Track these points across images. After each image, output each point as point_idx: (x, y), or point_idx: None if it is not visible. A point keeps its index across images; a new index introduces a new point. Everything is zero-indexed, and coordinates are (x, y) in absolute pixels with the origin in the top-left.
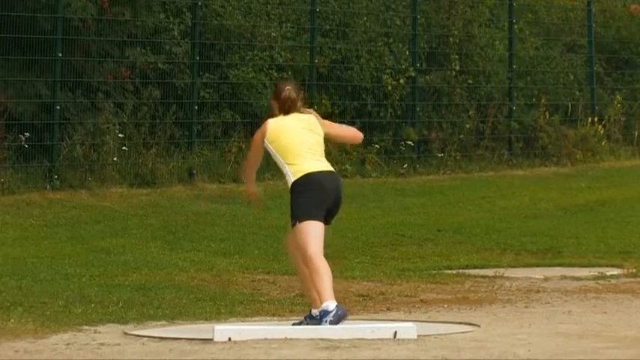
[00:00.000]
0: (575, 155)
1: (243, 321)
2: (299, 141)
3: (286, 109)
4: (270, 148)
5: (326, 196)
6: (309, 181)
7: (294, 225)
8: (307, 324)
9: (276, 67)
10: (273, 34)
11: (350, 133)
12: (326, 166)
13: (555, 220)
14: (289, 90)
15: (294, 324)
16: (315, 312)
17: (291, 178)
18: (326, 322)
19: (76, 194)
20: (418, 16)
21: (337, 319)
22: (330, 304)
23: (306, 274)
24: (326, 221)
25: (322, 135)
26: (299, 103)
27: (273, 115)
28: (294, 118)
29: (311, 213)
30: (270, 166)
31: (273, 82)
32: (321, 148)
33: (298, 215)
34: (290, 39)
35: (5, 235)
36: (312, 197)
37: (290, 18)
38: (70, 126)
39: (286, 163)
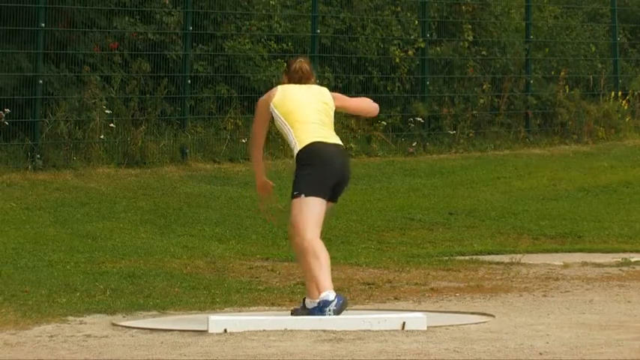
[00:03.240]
0: (597, 132)
1: (239, 311)
2: (307, 106)
3: (296, 80)
4: (276, 112)
5: (331, 172)
6: (315, 152)
7: (296, 197)
8: (300, 314)
9: (275, 37)
10: (271, 2)
11: (365, 105)
12: (334, 139)
13: (576, 202)
14: (301, 62)
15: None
16: (309, 302)
17: (297, 147)
18: (329, 312)
19: (60, 175)
20: None
21: (339, 309)
22: (330, 294)
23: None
24: (332, 198)
25: (333, 108)
26: (312, 79)
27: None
28: (304, 86)
29: (315, 189)
30: (267, 146)
31: (271, 55)
32: (330, 120)
33: (302, 189)
34: (290, 7)
35: None
36: (318, 172)
37: None
38: (54, 101)
39: (292, 129)
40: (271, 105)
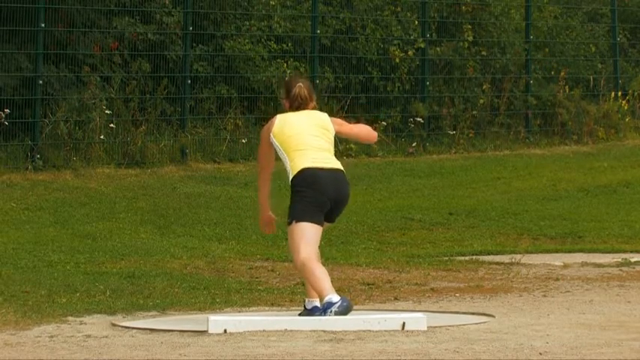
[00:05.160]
0: (597, 133)
1: (239, 311)
2: (304, 133)
3: (296, 107)
4: (275, 142)
5: (321, 197)
6: (305, 178)
7: (289, 224)
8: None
9: (275, 38)
10: (271, 2)
11: (364, 132)
12: (328, 163)
13: (576, 202)
14: (300, 87)
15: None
16: (308, 303)
17: (290, 175)
18: (330, 313)
19: (60, 175)
20: None
21: (342, 311)
22: (334, 296)
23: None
24: (329, 219)
25: (332, 132)
26: (312, 103)
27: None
28: (303, 113)
29: (305, 215)
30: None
31: (271, 55)
32: (330, 144)
33: (293, 216)
34: (290, 7)
35: None
36: (308, 198)
37: None
38: (54, 101)
39: (287, 157)
40: (271, 136)
